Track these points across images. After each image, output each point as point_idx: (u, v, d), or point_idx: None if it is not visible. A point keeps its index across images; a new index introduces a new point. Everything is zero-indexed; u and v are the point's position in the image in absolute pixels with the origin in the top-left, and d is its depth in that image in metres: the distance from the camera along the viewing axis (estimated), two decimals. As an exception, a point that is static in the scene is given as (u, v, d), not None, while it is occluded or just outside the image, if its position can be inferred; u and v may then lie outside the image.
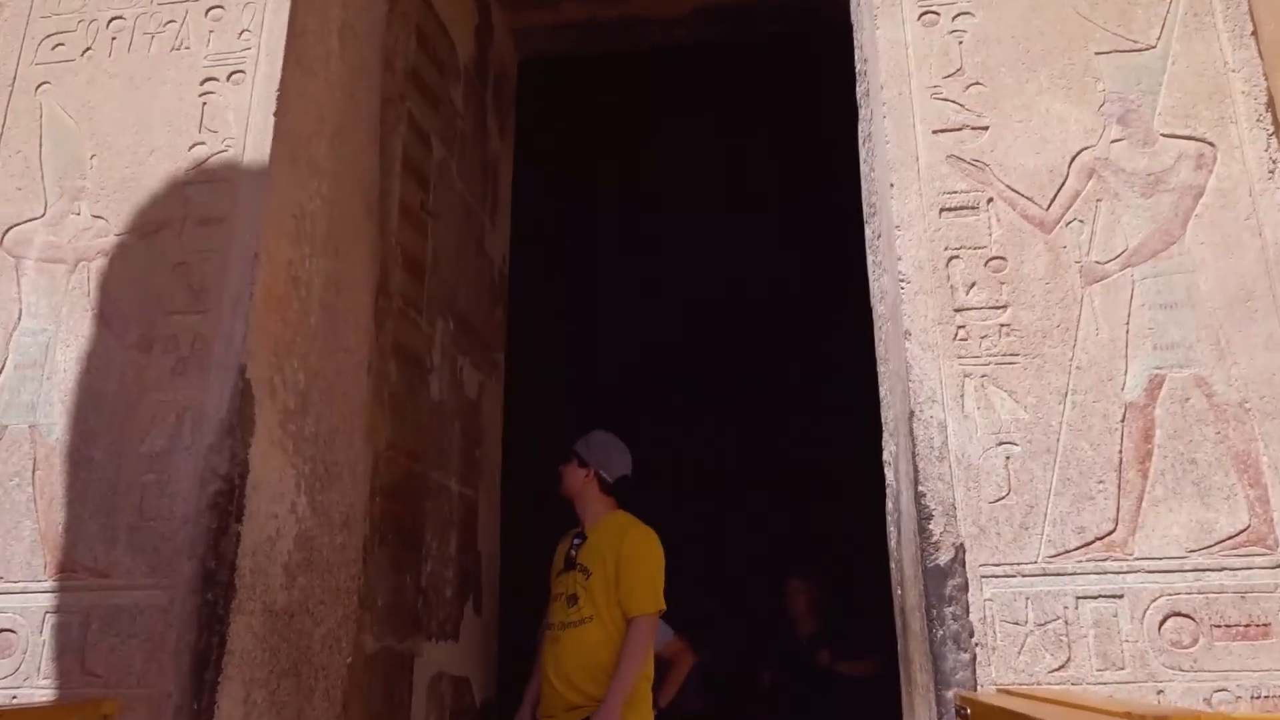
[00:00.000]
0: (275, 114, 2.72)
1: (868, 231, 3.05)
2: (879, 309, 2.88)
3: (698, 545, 8.46)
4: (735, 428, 9.10)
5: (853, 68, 3.39)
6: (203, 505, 2.45)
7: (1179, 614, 2.17)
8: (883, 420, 2.93)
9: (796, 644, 5.50)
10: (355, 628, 3.02)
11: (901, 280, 2.45)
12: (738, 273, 7.78)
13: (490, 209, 4.57)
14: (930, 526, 2.29)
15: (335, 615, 2.89)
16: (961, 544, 2.27)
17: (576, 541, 3.82)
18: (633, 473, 4.06)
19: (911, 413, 2.37)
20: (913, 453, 2.36)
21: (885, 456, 2.95)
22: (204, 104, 2.77)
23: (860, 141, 3.11)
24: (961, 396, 2.36)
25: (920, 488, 2.32)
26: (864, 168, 3.05)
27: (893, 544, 2.85)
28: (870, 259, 3.02)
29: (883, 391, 2.92)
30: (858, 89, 3.08)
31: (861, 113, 3.03)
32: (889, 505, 2.89)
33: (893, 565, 2.88)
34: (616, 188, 6.98)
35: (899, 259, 2.47)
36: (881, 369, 2.89)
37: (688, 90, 5.84)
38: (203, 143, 2.73)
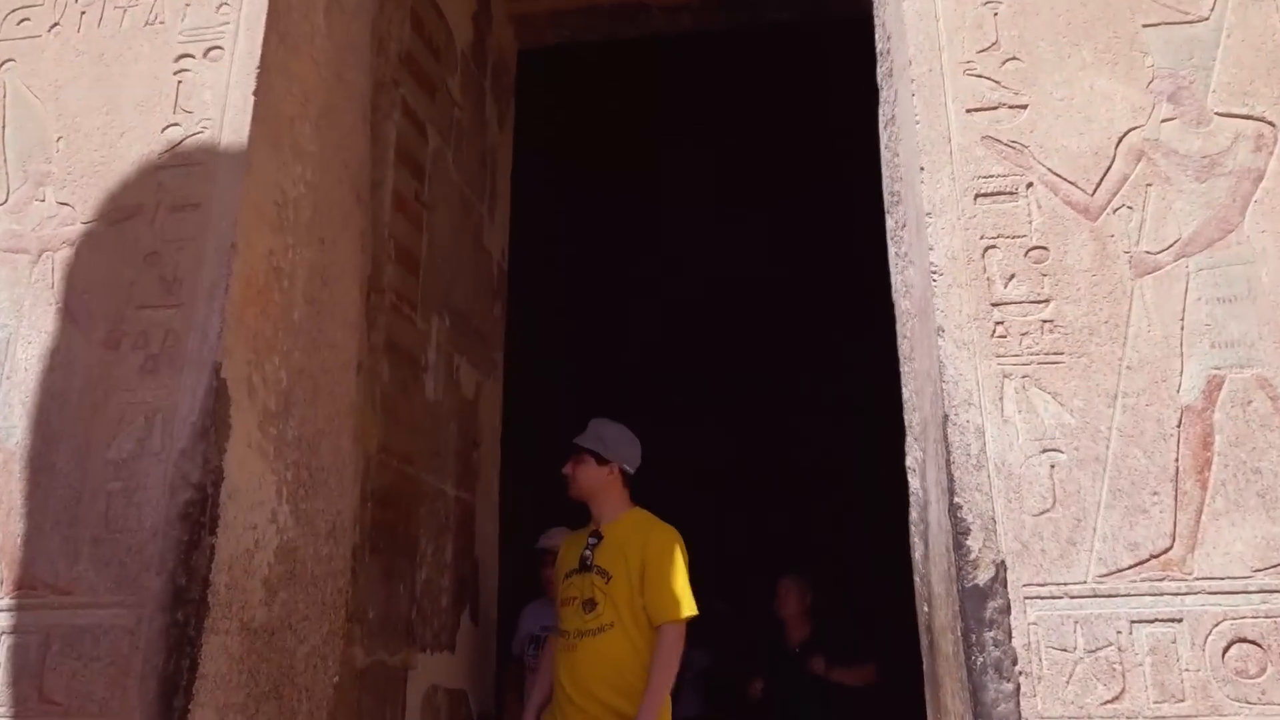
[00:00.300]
0: (255, 93, 2.48)
1: (889, 222, 2.81)
2: (903, 304, 2.64)
3: (702, 546, 8.25)
4: (737, 426, 8.87)
5: (864, 56, 3.15)
6: (173, 515, 2.21)
7: (1245, 640, 1.93)
8: (906, 423, 2.70)
9: (788, 650, 5.04)
10: (343, 643, 2.78)
11: (933, 272, 2.21)
12: (741, 268, 7.54)
13: (488, 202, 4.33)
14: (967, 542, 2.05)
15: (321, 631, 2.65)
16: (1002, 561, 2.03)
17: (592, 542, 3.44)
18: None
19: (945, 417, 2.13)
20: (946, 460, 2.12)
21: (909, 462, 2.71)
22: (179, 82, 2.53)
23: (881, 126, 2.87)
24: (1000, 399, 2.11)
25: (955, 499, 2.08)
26: (885, 154, 2.81)
27: (917, 556, 2.61)
28: (892, 250, 2.78)
29: (906, 393, 2.68)
30: (878, 70, 2.84)
31: (883, 95, 2.79)
32: (913, 514, 2.65)
33: (917, 579, 2.64)
34: (619, 180, 6.73)
35: (930, 249, 2.23)
36: (906, 368, 2.65)
37: (693, 80, 5.59)
38: (177, 124, 2.49)
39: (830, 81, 4.93)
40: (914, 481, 2.62)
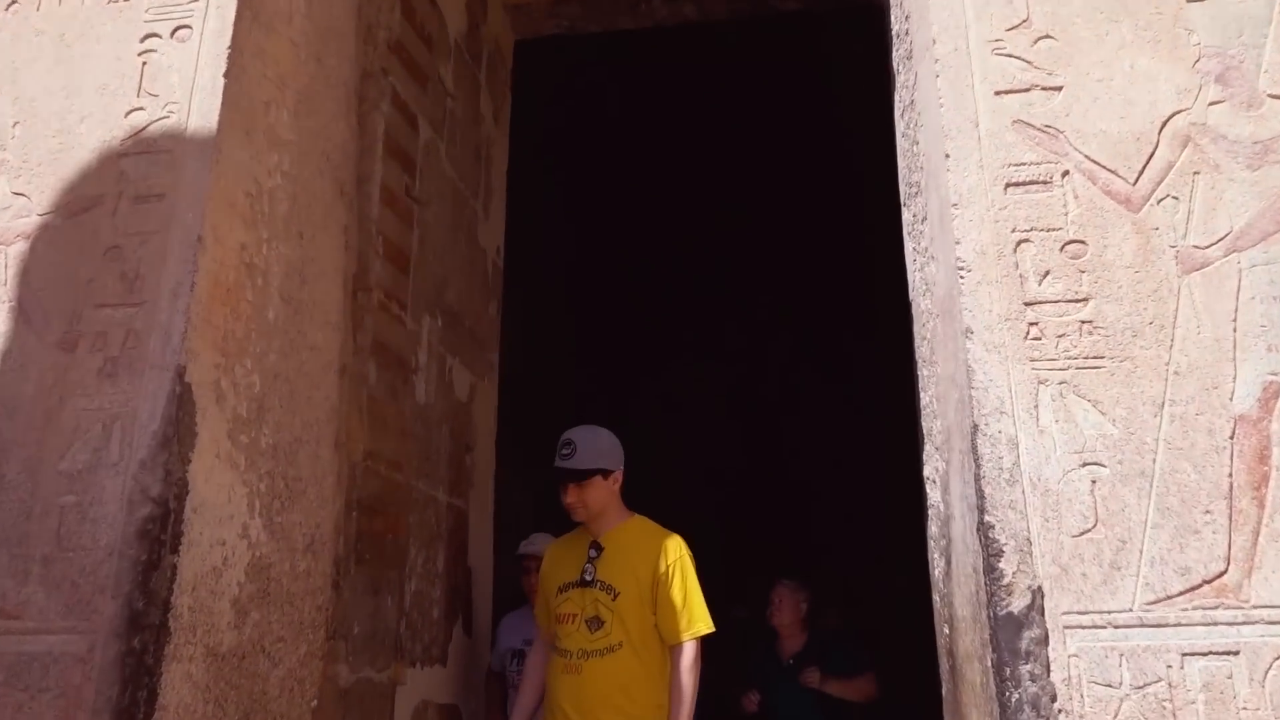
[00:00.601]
0: (226, 75, 2.26)
1: (906, 215, 2.59)
2: (922, 303, 2.42)
3: (709, 547, 8.03)
4: (740, 425, 8.65)
5: (874, 45, 2.93)
6: (130, 533, 1.99)
7: (1310, 676, 1.72)
8: (925, 431, 2.48)
9: (782, 662, 4.55)
10: (323, 663, 2.56)
11: (960, 268, 1.99)
12: (742, 262, 7.31)
13: (483, 197, 4.11)
14: (1000, 565, 1.83)
15: (297, 653, 2.43)
16: (1039, 587, 1.81)
17: (592, 554, 3.09)
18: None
19: (974, 426, 1.91)
20: (975, 474, 1.89)
21: (927, 473, 2.49)
22: (144, 64, 2.31)
23: (897, 114, 2.65)
24: (1035, 407, 1.89)
25: (986, 517, 1.86)
26: (902, 143, 2.59)
27: (936, 573, 2.39)
28: (910, 246, 2.56)
29: (925, 398, 2.46)
30: (894, 54, 2.62)
31: (899, 80, 2.57)
32: (932, 529, 2.43)
33: (936, 599, 2.42)
34: (619, 175, 6.50)
35: (956, 243, 2.00)
36: (925, 372, 2.43)
37: (695, 71, 5.36)
38: (141, 108, 2.27)
39: (838, 71, 4.72)
40: (933, 494, 2.40)
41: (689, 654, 2.96)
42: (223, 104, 2.23)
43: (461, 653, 3.64)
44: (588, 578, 3.04)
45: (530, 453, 5.77)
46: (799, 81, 5.44)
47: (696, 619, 2.99)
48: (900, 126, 2.61)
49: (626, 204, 6.86)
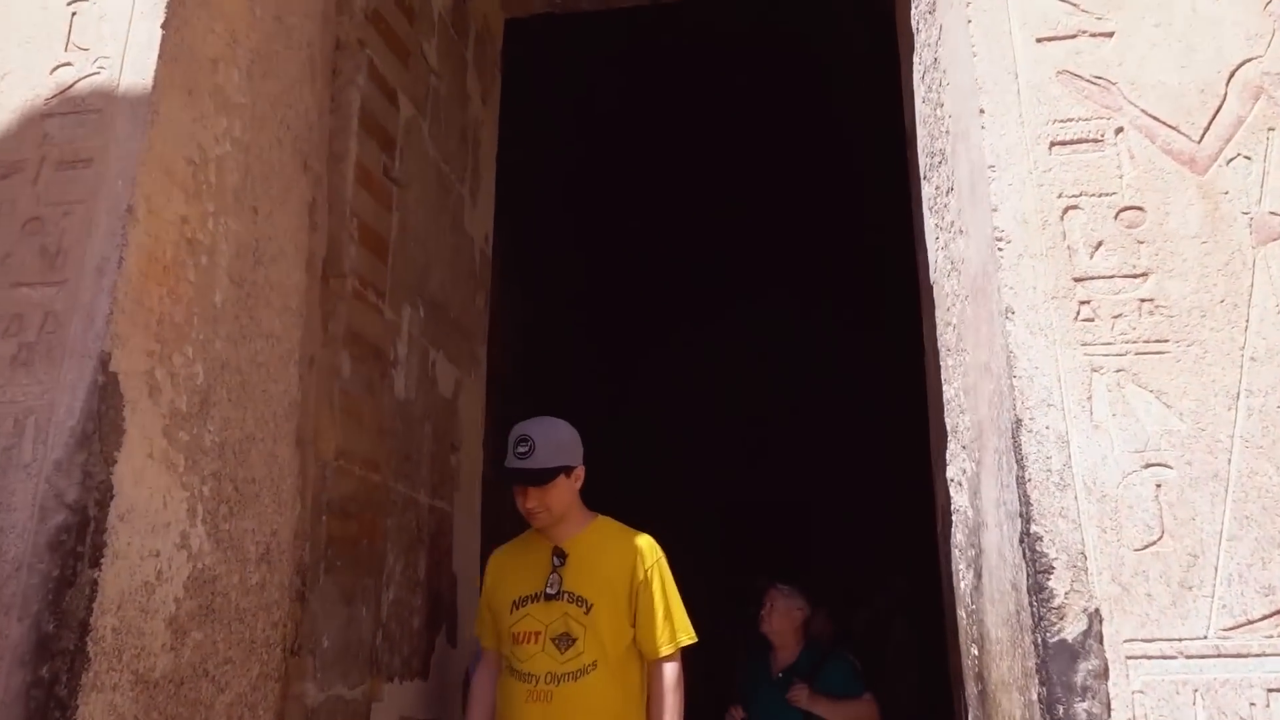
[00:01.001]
0: (164, 26, 1.95)
1: (926, 190, 2.29)
2: (946, 285, 2.11)
3: (715, 549, 7.72)
4: (739, 421, 8.35)
5: (879, 17, 2.62)
6: (41, 544, 1.68)
7: None
8: (949, 428, 2.17)
9: (771, 676, 3.99)
10: (280, 684, 2.25)
11: (998, 239, 1.68)
12: (742, 251, 7.00)
13: (471, 182, 3.80)
14: (1050, 583, 1.52)
15: (249, 675, 2.12)
16: (1096, 610, 1.50)
17: (556, 562, 2.65)
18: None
19: (1017, 422, 1.60)
20: (1019, 477, 1.59)
21: (951, 474, 2.19)
22: (73, 14, 2.00)
23: (916, 78, 2.35)
24: (1089, 399, 1.59)
25: (1033, 527, 1.55)
26: (922, 109, 2.28)
27: (963, 587, 2.09)
28: (930, 223, 2.26)
29: (949, 391, 2.15)
30: (913, 10, 2.32)
31: (919, 39, 2.27)
32: (957, 537, 2.12)
33: (962, 614, 2.12)
34: (616, 161, 6.19)
35: (993, 210, 1.70)
36: (949, 362, 2.13)
37: (694, 50, 5.04)
38: (69, 63, 1.97)
39: (839, 47, 4.42)
40: (959, 497, 2.10)
41: (672, 670, 2.60)
42: (160, 59, 1.93)
43: (444, 665, 3.33)
44: (553, 590, 2.61)
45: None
46: (799, 62, 5.13)
47: (680, 629, 2.63)
48: (919, 92, 2.31)
49: (624, 192, 6.55)
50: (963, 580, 2.08)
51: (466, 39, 3.80)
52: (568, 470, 2.67)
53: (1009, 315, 1.63)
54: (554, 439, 2.68)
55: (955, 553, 2.15)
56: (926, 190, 2.27)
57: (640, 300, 7.71)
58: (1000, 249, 1.67)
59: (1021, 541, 1.58)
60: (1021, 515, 1.57)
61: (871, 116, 4.12)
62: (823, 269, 7.43)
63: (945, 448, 2.71)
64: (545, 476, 2.60)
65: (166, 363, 1.90)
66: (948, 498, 3.02)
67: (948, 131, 2.02)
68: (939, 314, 2.19)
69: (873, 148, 5.11)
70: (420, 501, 3.30)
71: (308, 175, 2.45)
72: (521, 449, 2.62)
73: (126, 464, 1.79)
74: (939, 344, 2.21)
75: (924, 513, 6.98)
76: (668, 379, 8.21)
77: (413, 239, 3.29)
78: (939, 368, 2.32)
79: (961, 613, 2.13)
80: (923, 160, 2.32)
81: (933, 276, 2.26)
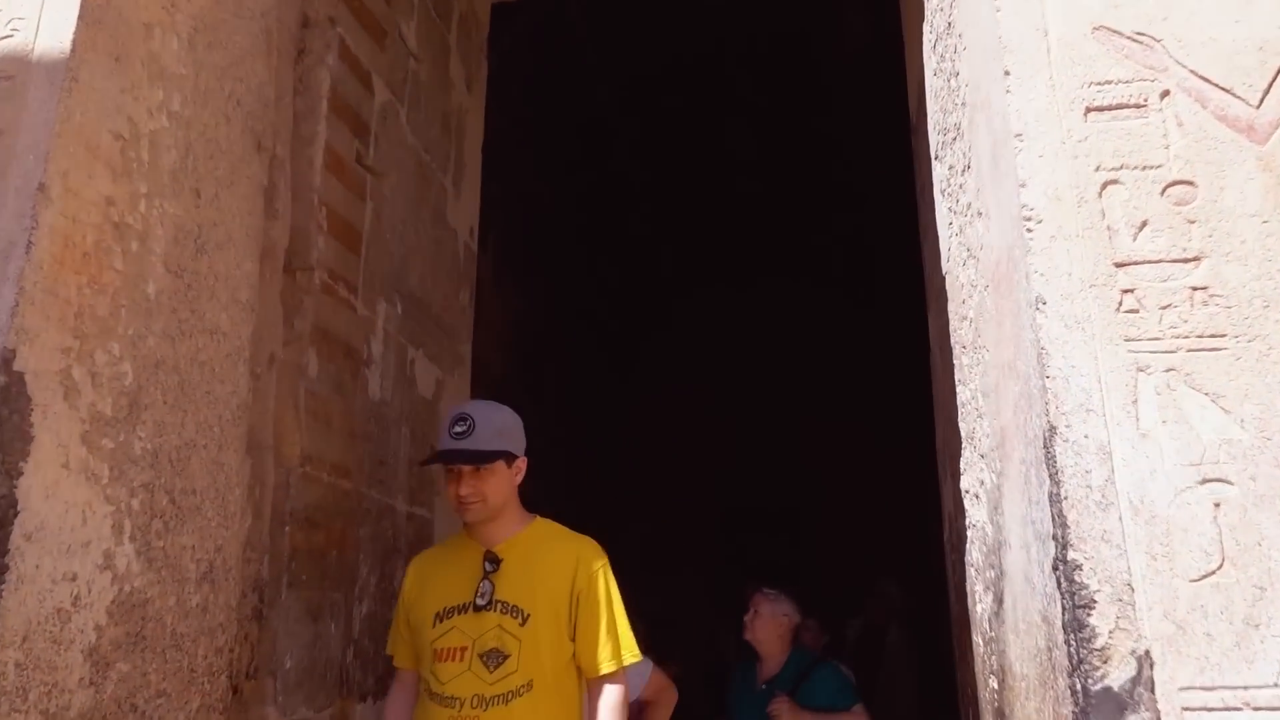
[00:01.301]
0: (87, -16, 1.71)
1: (938, 171, 2.05)
2: (961, 275, 1.87)
3: (716, 551, 7.47)
4: (738, 419, 8.10)
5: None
6: (-72, 569, 1.44)
7: None
8: (964, 433, 1.93)
9: (755, 686, 3.65)
10: (224, 717, 2.01)
11: (1027, 219, 1.43)
12: (740, 239, 6.75)
13: (454, 172, 3.56)
14: (1091, 620, 1.27)
15: (187, 708, 1.88)
16: (1146, 652, 1.25)
17: (488, 568, 2.26)
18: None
19: (1051, 429, 1.35)
20: (1053, 493, 1.34)
21: (965, 485, 1.94)
22: (-14, -28, 1.76)
23: (926, 49, 2.10)
24: (1134, 403, 1.34)
25: (1071, 552, 1.30)
26: (934, 81, 2.04)
27: (980, 610, 1.84)
28: (943, 208, 2.01)
29: (964, 393, 1.91)
30: (925, -26, 2.07)
31: (930, 3, 2.02)
32: (972, 555, 1.88)
33: (978, 640, 1.87)
34: (606, 152, 5.94)
35: (1021, 185, 1.45)
36: (964, 360, 1.88)
37: (692, 28, 4.78)
38: (-20, 26, 1.72)
39: (840, 27, 4.17)
40: (975, 511, 1.85)
41: (615, 692, 2.23)
42: (81, 21, 1.69)
43: (423, 681, 3.09)
44: (482, 600, 2.21)
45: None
46: (794, 42, 4.88)
47: (625, 646, 2.29)
48: (930, 64, 2.06)
49: (624, 188, 6.30)
50: (980, 603, 1.84)
51: (449, 22, 3.55)
52: (509, 458, 2.30)
53: (1040, 306, 1.39)
54: (496, 421, 2.31)
55: (971, 572, 1.90)
56: (938, 172, 2.02)
57: (640, 298, 7.47)
58: (1029, 230, 1.42)
59: (1056, 569, 1.33)
60: (1056, 538, 1.32)
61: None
62: (819, 261, 7.19)
63: (955, 453, 2.46)
64: (484, 458, 2.22)
65: (87, 361, 1.66)
66: (958, 506, 2.77)
67: (964, 103, 1.77)
68: (952, 307, 1.95)
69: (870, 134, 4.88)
70: (397, 509, 3.06)
71: (262, 156, 2.21)
72: (459, 428, 2.24)
73: (35, 476, 1.55)
74: (952, 340, 1.96)
75: (915, 516, 6.75)
76: (667, 377, 7.97)
77: (390, 231, 3.05)
78: (948, 367, 2.08)
79: (978, 638, 1.89)
80: (934, 139, 2.07)
81: (945, 266, 2.01)
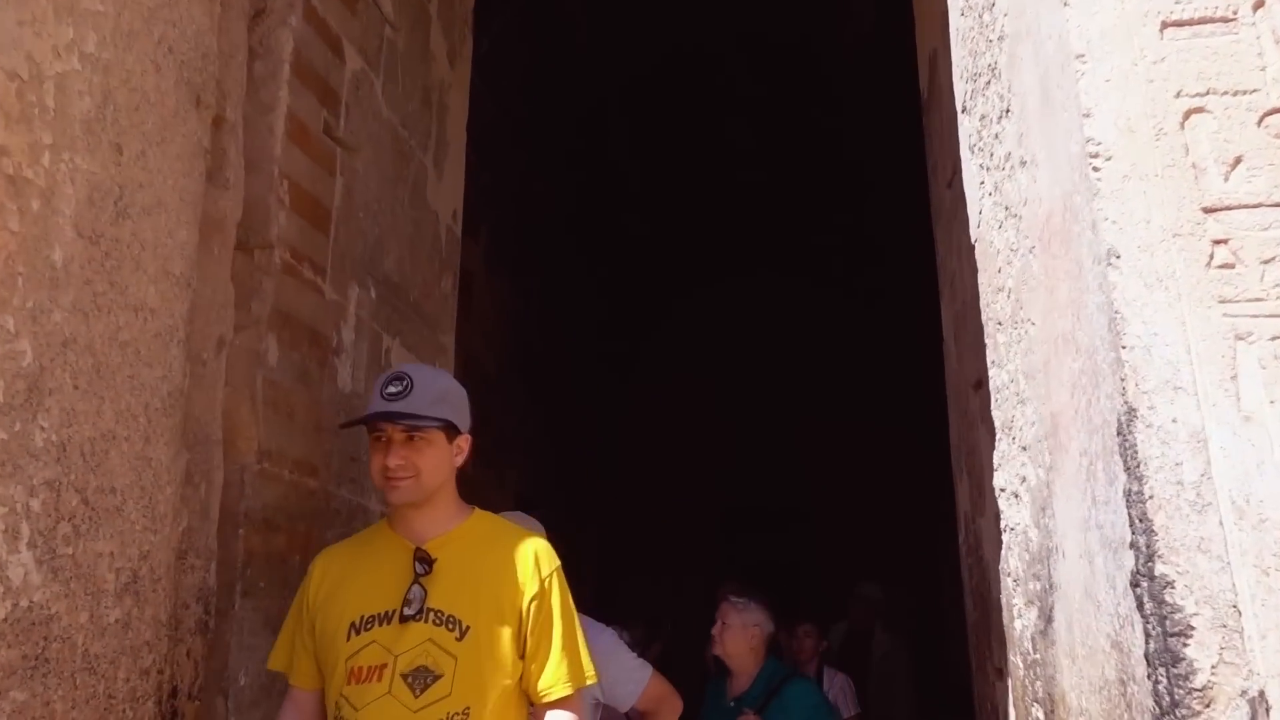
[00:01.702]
0: (-27, -105, 1.42)
1: (965, 125, 1.76)
2: (998, 240, 1.58)
3: (710, 550, 7.19)
4: (737, 419, 7.81)
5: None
6: None
7: None
8: (999, 422, 1.64)
9: (723, 703, 3.28)
10: (154, 748, 1.72)
11: (1094, 155, 1.14)
12: (740, 228, 6.47)
13: (435, 150, 3.27)
14: (1187, 651, 0.98)
15: (102, 741, 1.59)
16: (1261, 693, 0.96)
17: (420, 569, 1.83)
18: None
19: (1129, 411, 1.06)
20: (1131, 492, 1.05)
21: (1000, 482, 1.66)
22: None
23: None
24: (1233, 378, 1.05)
25: (1159, 565, 1.01)
26: (961, 22, 1.75)
27: (1019, 627, 1.56)
28: (972, 166, 1.72)
29: (1000, 376, 1.62)
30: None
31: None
32: (1010, 564, 1.59)
33: (1016, 660, 1.59)
34: (602, 145, 5.65)
35: (1085, 115, 1.16)
36: (1000, 339, 1.59)
37: (690, 18, 4.51)
38: None
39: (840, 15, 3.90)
40: (1014, 512, 1.56)
41: (573, 716, 1.85)
42: (-34, -63, 1.40)
43: (398, 695, 2.79)
44: (410, 610, 1.79)
45: (505, 449, 4.94)
46: (794, 31, 4.60)
47: (586, 665, 1.88)
48: (956, 3, 1.77)
49: (620, 178, 6.02)
50: (1020, 619, 1.55)
51: (430, -9, 3.27)
52: (451, 431, 1.88)
53: (1112, 262, 1.10)
54: (439, 386, 1.91)
55: (1008, 582, 1.61)
56: (966, 126, 1.74)
57: (637, 295, 7.19)
58: (1096, 169, 1.13)
59: (1136, 585, 1.04)
60: (1137, 547, 1.03)
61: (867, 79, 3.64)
62: (819, 259, 6.92)
63: (972, 447, 2.17)
64: (421, 424, 1.82)
65: (-29, 337, 1.37)
66: (976, 506, 2.48)
67: (1001, 36, 1.48)
68: (984, 279, 1.66)
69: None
70: (371, 509, 2.77)
71: (201, 114, 1.92)
72: (394, 388, 1.84)
73: (-100, 472, 1.26)
74: (984, 317, 1.67)
75: (917, 516, 6.45)
76: (665, 376, 7.69)
77: (363, 209, 2.76)
78: (963, 356, 1.80)
79: (1016, 658, 1.60)
80: (960, 91, 1.78)
81: (974, 233, 1.72)
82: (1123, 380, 1.07)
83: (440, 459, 1.85)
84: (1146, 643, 1.02)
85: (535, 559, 1.87)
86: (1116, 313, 1.08)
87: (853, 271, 7.06)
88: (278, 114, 2.38)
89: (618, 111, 5.62)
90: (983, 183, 1.65)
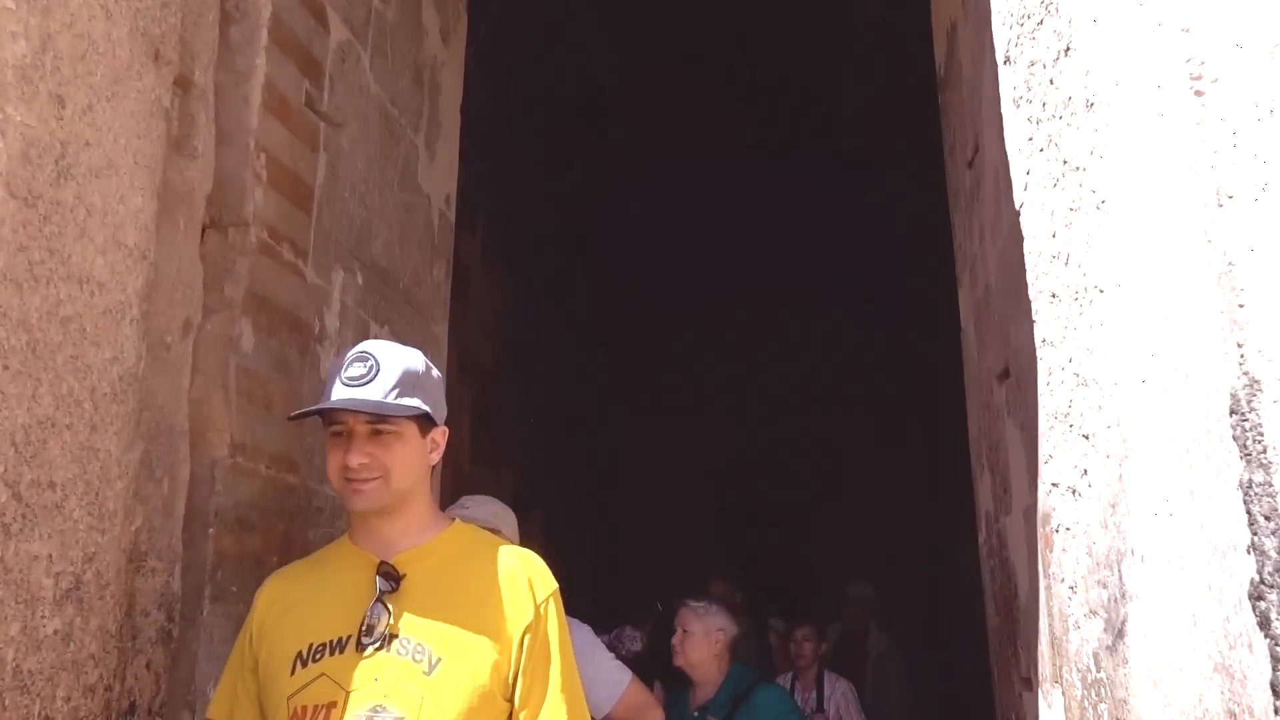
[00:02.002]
0: None
1: (1008, 79, 1.57)
2: (1052, 199, 1.37)
3: (710, 550, 6.98)
4: (734, 418, 7.61)
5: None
6: None
7: None
8: (1048, 410, 1.43)
9: (688, 713, 2.97)
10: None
11: (1195, 77, 0.93)
12: (738, 219, 6.28)
13: (427, 130, 3.06)
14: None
15: (37, 769, 1.38)
16: None
17: (383, 587, 1.48)
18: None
19: (1250, 384, 0.85)
20: (1249, 484, 0.84)
21: (1053, 475, 1.47)
22: None
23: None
24: (1382, 344, 0.84)
25: (1292, 577, 0.80)
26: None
27: (1074, 640, 1.36)
28: (1017, 121, 1.54)
29: (1054, 357, 1.42)
30: None
31: None
32: (1065, 568, 1.40)
33: (1072, 680, 1.39)
34: (602, 135, 5.45)
35: (1184, 30, 0.95)
36: (1057, 311, 1.38)
37: (693, 7, 4.31)
38: None
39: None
40: (1073, 509, 1.36)
41: None
42: None
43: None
44: (371, 636, 1.45)
45: (501, 445, 4.73)
46: (801, 18, 4.41)
47: (581, 704, 1.53)
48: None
49: (620, 170, 5.82)
50: (1078, 630, 1.34)
51: (421, -36, 3.06)
52: (425, 423, 1.55)
53: (1223, 201, 0.88)
54: (410, 369, 1.55)
55: (1062, 589, 1.40)
56: (1009, 78, 1.53)
57: (637, 293, 6.99)
58: (1199, 93, 0.92)
59: (1257, 599, 0.83)
60: (1260, 550, 0.83)
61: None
62: (820, 257, 6.72)
63: (995, 443, 1.96)
64: (389, 411, 1.49)
65: (-127, 306, 1.16)
66: (998, 503, 2.27)
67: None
68: (1032, 247, 1.45)
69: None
70: (357, 508, 2.56)
71: (161, 70, 1.71)
72: (356, 370, 1.51)
73: None
74: (1032, 291, 1.47)
75: (919, 518, 6.24)
76: (664, 374, 7.48)
77: (349, 189, 2.55)
78: (984, 344, 1.59)
79: (1071, 676, 1.39)
80: (1000, 40, 1.58)
81: (1019, 197, 1.51)
82: (1239, 345, 0.86)
83: (412, 456, 1.53)
84: (1273, 669, 0.81)
85: (529, 580, 1.52)
86: (1230, 264, 0.87)
87: (852, 270, 6.86)
88: (254, 83, 2.17)
89: (617, 102, 5.41)
90: (1031, 138, 1.44)
